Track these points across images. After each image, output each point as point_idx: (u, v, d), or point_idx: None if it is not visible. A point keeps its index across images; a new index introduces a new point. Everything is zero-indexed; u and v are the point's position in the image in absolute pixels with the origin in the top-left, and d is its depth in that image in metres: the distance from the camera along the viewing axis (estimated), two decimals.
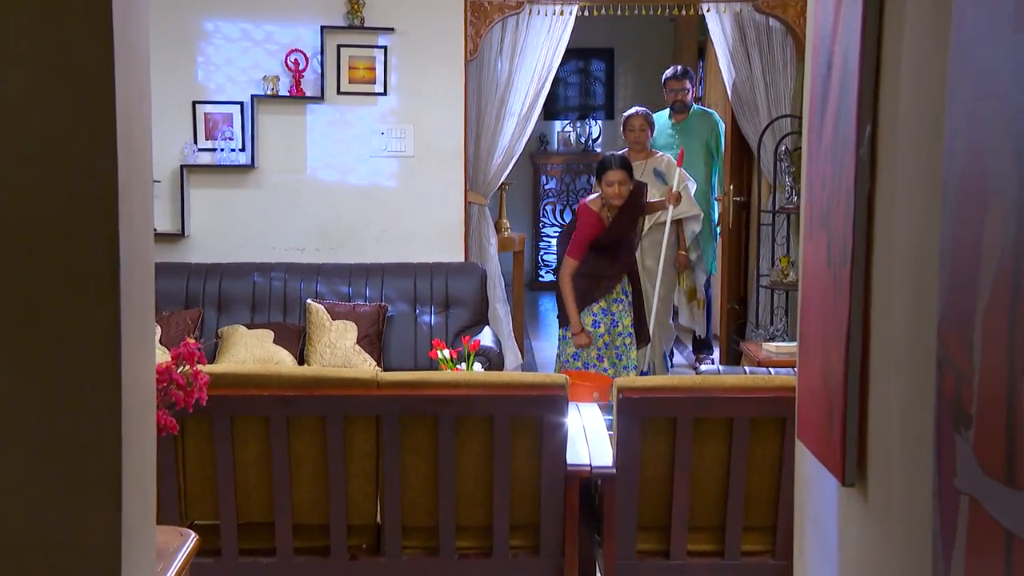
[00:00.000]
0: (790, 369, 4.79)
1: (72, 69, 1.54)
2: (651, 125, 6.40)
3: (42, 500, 1.57)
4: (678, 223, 6.39)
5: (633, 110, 6.46)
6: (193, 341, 2.17)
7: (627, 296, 5.54)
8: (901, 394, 1.49)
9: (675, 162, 6.26)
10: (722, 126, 6.93)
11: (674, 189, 6.05)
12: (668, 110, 6.92)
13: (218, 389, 3.23)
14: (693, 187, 6.34)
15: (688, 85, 6.83)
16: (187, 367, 2.14)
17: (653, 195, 6.13)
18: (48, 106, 1.53)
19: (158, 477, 3.26)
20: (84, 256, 1.57)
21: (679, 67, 6.99)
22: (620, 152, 5.91)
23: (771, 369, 4.82)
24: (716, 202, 6.97)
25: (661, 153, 6.47)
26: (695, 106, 6.98)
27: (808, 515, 1.98)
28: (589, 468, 3.39)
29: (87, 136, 1.56)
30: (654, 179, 6.29)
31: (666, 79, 6.95)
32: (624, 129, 6.45)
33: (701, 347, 7.23)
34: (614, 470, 3.36)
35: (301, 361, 5.55)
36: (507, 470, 3.31)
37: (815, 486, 1.89)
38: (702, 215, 6.43)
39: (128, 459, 1.65)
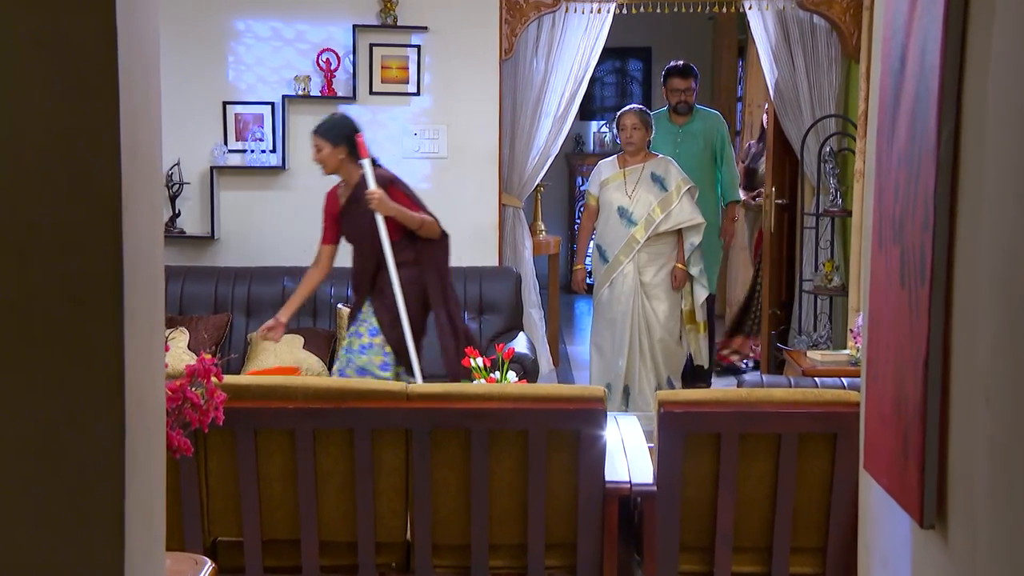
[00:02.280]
0: (839, 379, 4.61)
1: (70, 66, 1.41)
2: (647, 124, 5.77)
3: (39, 531, 1.45)
4: (678, 234, 5.80)
5: (627, 107, 5.90)
6: (210, 357, 2.03)
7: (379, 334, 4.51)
8: (990, 428, 1.32)
9: (675, 165, 5.75)
10: (726, 128, 6.46)
11: (676, 193, 5.58)
12: (667, 110, 6.39)
13: (242, 401, 3.12)
14: (696, 193, 5.79)
15: (694, 84, 6.33)
16: (203, 385, 2.01)
17: (650, 203, 5.63)
18: (44, 108, 1.40)
19: (179, 493, 3.16)
20: (84, 269, 1.44)
21: (682, 63, 6.41)
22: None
23: (817, 379, 4.64)
24: (721, 211, 6.39)
25: (660, 155, 5.85)
26: (698, 106, 6.45)
27: (876, 556, 1.81)
28: (629, 485, 3.24)
29: (87, 141, 1.44)
30: (651, 184, 5.74)
31: (668, 76, 6.38)
32: (617, 129, 5.91)
33: (697, 377, 6.20)
34: (655, 487, 3.22)
35: (331, 367, 5.43)
36: (542, 486, 3.18)
37: (885, 524, 1.72)
38: (704, 225, 5.78)
39: (133, 486, 1.52)
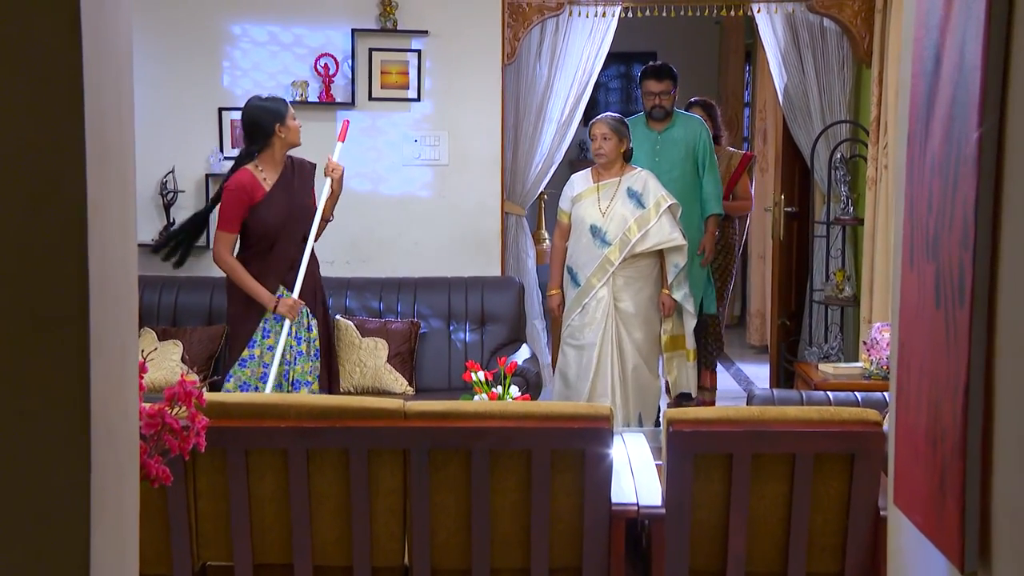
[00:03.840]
0: (852, 394, 4.48)
1: (28, 67, 1.28)
2: (619, 134, 5.22)
3: None
4: (659, 255, 5.30)
5: (599, 116, 5.38)
6: (191, 379, 1.90)
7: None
8: None
9: (654, 180, 5.24)
10: (709, 135, 5.87)
11: (656, 207, 5.12)
12: (643, 115, 5.93)
13: (232, 420, 3.00)
14: (678, 210, 5.27)
15: (672, 88, 5.83)
16: (183, 409, 1.88)
17: (625, 221, 5.13)
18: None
19: (167, 515, 3.03)
20: (45, 290, 1.31)
21: (659, 63, 5.98)
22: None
23: (830, 394, 4.51)
24: (703, 225, 5.81)
25: (638, 169, 5.32)
26: (678, 112, 5.95)
27: None
28: (636, 507, 3.11)
29: (48, 148, 1.31)
30: (627, 200, 5.22)
31: (642, 78, 5.90)
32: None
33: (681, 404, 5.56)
34: (663, 510, 3.08)
35: (330, 380, 5.31)
36: (546, 508, 3.04)
37: (919, 567, 1.59)
38: (686, 246, 5.28)
39: (100, 527, 1.39)
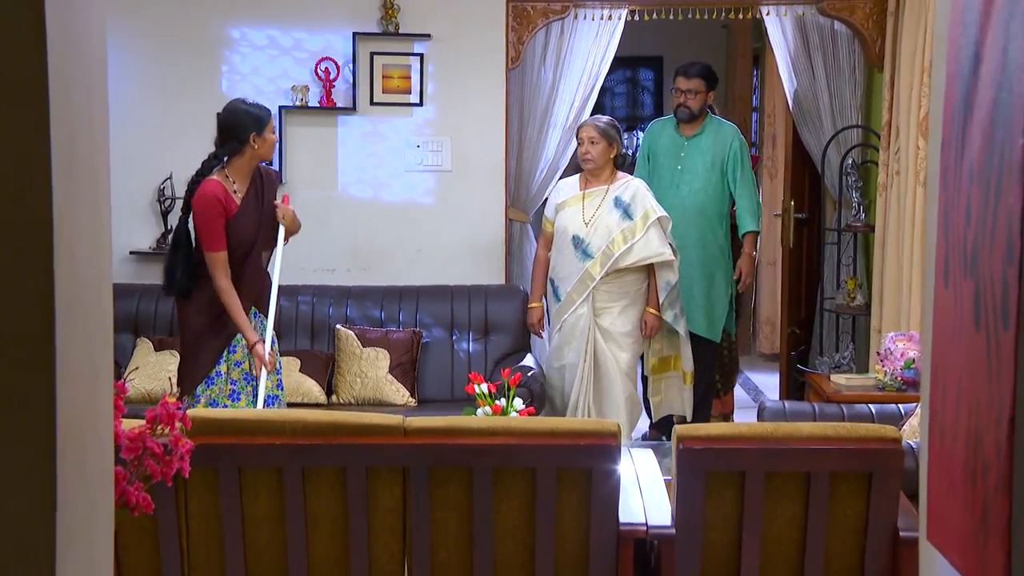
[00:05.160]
0: (866, 406, 4.36)
1: None
2: (608, 138, 4.83)
3: None
4: (648, 270, 4.88)
5: (587, 118, 5.12)
6: (173, 400, 1.79)
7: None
8: None
9: (646, 190, 4.86)
10: (740, 143, 5.46)
11: (641, 217, 4.73)
12: (673, 118, 5.58)
13: (225, 437, 2.91)
14: (668, 224, 4.86)
15: (703, 87, 5.43)
16: (165, 430, 1.77)
17: (610, 232, 4.75)
18: None
19: (156, 535, 2.91)
20: (5, 311, 1.20)
21: (694, 61, 5.62)
22: None
23: (843, 406, 4.40)
24: (726, 243, 5.43)
25: (629, 177, 4.95)
26: (713, 117, 5.55)
27: None
28: (645, 527, 3.00)
29: (10, 158, 1.20)
30: (613, 210, 4.83)
31: (675, 75, 5.59)
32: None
33: (667, 429, 5.03)
34: (673, 530, 2.97)
35: (329, 392, 5.21)
36: (551, 529, 2.94)
37: None
38: (675, 261, 4.86)
39: (67, 567, 1.28)
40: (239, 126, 4.03)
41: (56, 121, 1.22)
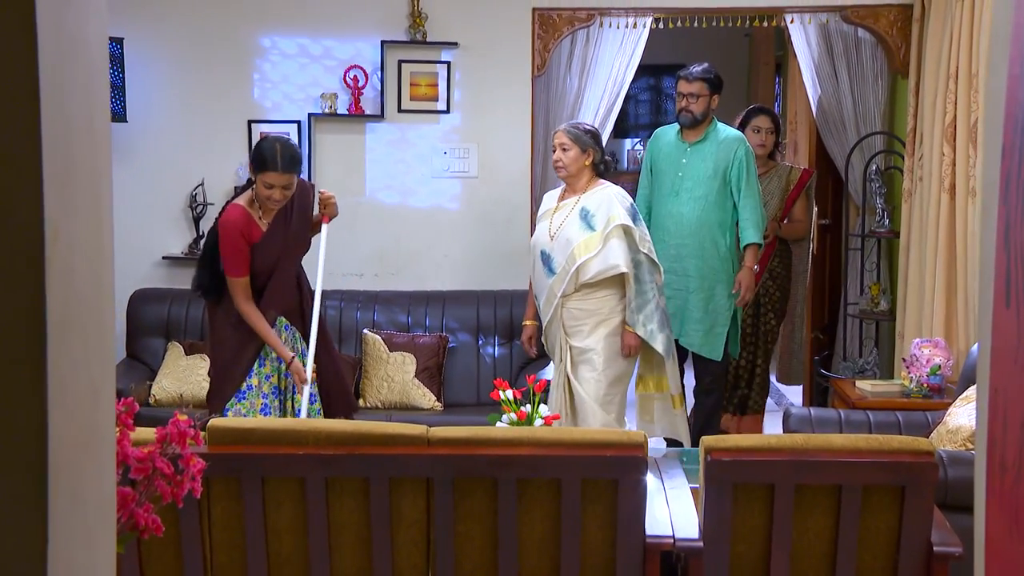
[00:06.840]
0: (893, 413, 4.31)
1: None
2: (581, 143, 4.44)
3: None
4: (621, 284, 4.46)
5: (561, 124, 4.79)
6: (185, 418, 1.76)
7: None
8: None
9: (619, 198, 4.42)
10: (746, 152, 5.07)
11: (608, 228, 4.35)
12: (677, 124, 5.23)
13: (248, 446, 2.89)
14: (635, 233, 4.40)
15: (705, 90, 5.09)
16: (175, 449, 1.74)
17: (570, 246, 4.38)
18: None
19: (179, 546, 2.90)
20: None
21: (696, 64, 5.25)
22: None
23: (869, 413, 4.35)
24: (727, 256, 5.08)
25: (606, 185, 4.50)
26: (719, 124, 5.18)
27: None
28: (672, 539, 2.97)
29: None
30: (578, 222, 4.43)
31: (676, 79, 5.25)
32: None
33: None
34: (701, 543, 2.94)
35: (357, 396, 5.20)
36: (577, 541, 2.91)
37: None
38: (655, 272, 4.47)
39: None
40: (251, 160, 4.07)
41: (48, 126, 1.10)
